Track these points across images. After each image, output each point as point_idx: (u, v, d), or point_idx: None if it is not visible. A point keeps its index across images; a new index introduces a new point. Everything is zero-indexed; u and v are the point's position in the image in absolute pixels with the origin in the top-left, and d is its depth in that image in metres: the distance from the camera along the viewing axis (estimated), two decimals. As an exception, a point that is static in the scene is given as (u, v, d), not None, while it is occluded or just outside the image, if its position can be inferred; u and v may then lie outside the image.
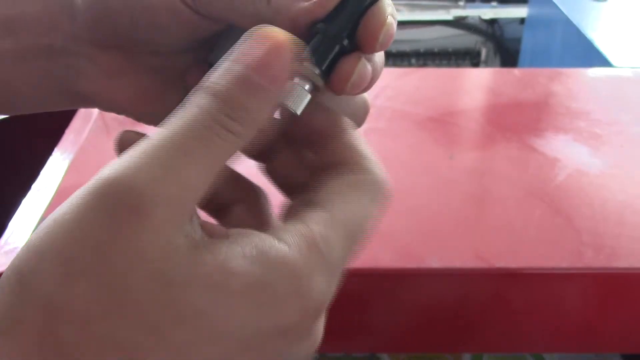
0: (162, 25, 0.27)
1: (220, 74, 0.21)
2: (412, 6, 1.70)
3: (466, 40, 1.76)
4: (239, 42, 0.21)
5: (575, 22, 1.09)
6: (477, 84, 0.83)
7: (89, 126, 0.70)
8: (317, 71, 0.24)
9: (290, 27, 0.24)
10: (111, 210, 0.18)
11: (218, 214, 0.27)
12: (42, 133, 0.72)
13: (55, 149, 0.67)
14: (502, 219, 0.56)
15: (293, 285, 0.20)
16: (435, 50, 1.79)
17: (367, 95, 0.28)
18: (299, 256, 0.20)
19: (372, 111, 0.70)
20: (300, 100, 0.23)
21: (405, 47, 1.76)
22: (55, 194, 0.59)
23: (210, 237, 0.20)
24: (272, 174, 0.27)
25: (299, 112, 0.23)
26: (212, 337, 0.19)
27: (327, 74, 0.25)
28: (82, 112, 0.73)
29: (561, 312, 0.52)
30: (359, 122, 0.28)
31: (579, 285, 0.52)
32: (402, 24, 1.67)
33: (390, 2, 0.26)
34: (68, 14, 0.28)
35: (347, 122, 0.26)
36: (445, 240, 0.53)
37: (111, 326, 0.18)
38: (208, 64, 0.29)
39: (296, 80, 0.23)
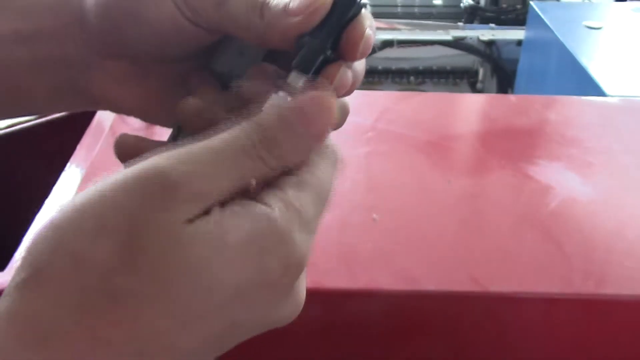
0: (166, 37, 0.30)
1: (273, 110, 0.25)
2: (412, 26, 1.73)
3: (464, 59, 1.80)
4: (298, 85, 0.27)
5: (569, 48, 1.12)
6: (474, 109, 0.86)
7: (99, 142, 0.72)
8: (300, 84, 0.27)
9: (281, 39, 0.29)
10: (146, 189, 0.22)
11: None
12: (54, 149, 0.74)
13: (67, 165, 0.69)
14: (496, 244, 0.58)
15: (276, 239, 0.23)
16: (434, 68, 1.82)
17: (347, 99, 0.31)
18: (280, 215, 0.24)
19: (373, 134, 0.74)
20: None
21: (405, 65, 1.79)
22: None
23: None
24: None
25: None
26: (211, 285, 0.22)
27: (314, 80, 0.28)
28: (92, 129, 0.76)
29: (552, 336, 0.55)
30: (339, 123, 0.31)
31: (569, 310, 0.54)
32: (402, 43, 1.71)
33: (370, 15, 0.29)
34: (80, 27, 0.31)
35: None
36: (442, 264, 0.56)
37: (125, 278, 0.21)
38: (209, 70, 0.32)
39: (281, 93, 0.27)
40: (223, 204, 0.24)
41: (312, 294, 0.53)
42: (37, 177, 0.68)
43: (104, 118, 0.78)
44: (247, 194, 0.26)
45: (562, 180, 0.68)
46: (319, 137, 0.25)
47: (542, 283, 0.54)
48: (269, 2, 0.29)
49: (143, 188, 0.22)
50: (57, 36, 0.31)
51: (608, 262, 0.56)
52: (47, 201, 0.64)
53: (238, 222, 0.23)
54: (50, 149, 0.76)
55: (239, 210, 0.23)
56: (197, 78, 0.32)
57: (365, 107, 0.81)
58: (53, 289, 0.21)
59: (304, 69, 0.28)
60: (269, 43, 0.30)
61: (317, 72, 0.28)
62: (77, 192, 0.64)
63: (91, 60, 0.32)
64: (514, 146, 0.75)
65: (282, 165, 0.25)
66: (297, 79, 0.27)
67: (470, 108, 0.87)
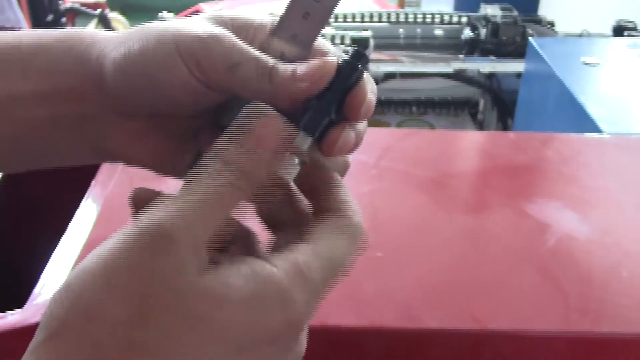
0: (179, 98, 0.32)
1: (227, 144, 0.27)
2: (415, 58, 1.77)
3: (465, 90, 1.83)
4: (241, 115, 0.28)
5: (567, 84, 1.15)
6: (475, 146, 0.89)
7: (113, 180, 0.75)
8: (307, 145, 0.30)
9: (289, 102, 0.31)
10: (146, 245, 0.24)
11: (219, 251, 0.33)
12: (68, 186, 0.77)
13: (82, 202, 0.72)
14: (496, 281, 0.60)
15: (279, 300, 0.25)
16: (436, 99, 1.86)
17: (349, 156, 0.34)
18: (285, 277, 0.26)
19: (376, 172, 0.78)
20: (292, 171, 0.30)
21: (407, 96, 1.83)
22: (84, 246, 0.64)
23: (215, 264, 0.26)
24: (263, 214, 0.33)
25: (290, 181, 0.30)
26: (215, 339, 0.24)
27: (319, 140, 0.31)
28: (106, 166, 0.78)
29: (549, 372, 0.57)
30: (341, 175, 0.34)
31: (566, 348, 0.56)
32: (404, 75, 1.74)
33: (371, 79, 0.32)
34: (98, 88, 0.33)
35: (337, 177, 0.32)
36: (444, 301, 0.58)
37: (136, 331, 0.23)
38: (218, 126, 0.34)
39: (288, 155, 0.30)
40: (232, 251, 0.26)
41: (316, 331, 0.55)
42: (54, 213, 0.70)
43: (117, 155, 0.80)
44: (257, 252, 0.28)
45: (559, 218, 0.70)
46: (272, 146, 0.28)
47: (541, 321, 0.56)
48: (277, 68, 0.31)
49: (144, 244, 0.24)
50: (76, 96, 0.33)
51: (605, 300, 0.58)
52: (63, 238, 0.66)
53: (243, 280, 0.25)
54: (64, 186, 0.78)
55: (245, 269, 0.25)
56: (207, 133, 0.34)
57: (369, 144, 0.84)
58: (70, 344, 0.23)
59: (310, 131, 0.30)
60: (278, 105, 0.31)
61: (323, 132, 0.30)
62: (92, 230, 0.66)
63: (108, 118, 0.34)
64: (513, 184, 0.78)
65: (253, 184, 0.27)
66: (304, 140, 0.30)
67: (471, 145, 0.90)
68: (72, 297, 0.24)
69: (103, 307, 0.23)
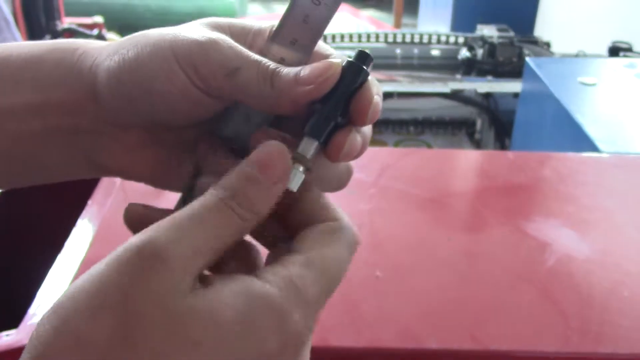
0: (177, 107, 0.31)
1: (234, 173, 0.26)
2: (412, 78, 1.78)
3: (462, 110, 1.84)
4: (311, 151, 0.28)
5: (564, 103, 1.15)
6: (473, 165, 0.89)
7: (110, 199, 0.75)
8: (312, 150, 0.29)
9: (291, 106, 0.30)
10: (136, 264, 0.23)
11: (218, 268, 0.31)
12: (64, 205, 0.76)
13: (78, 221, 0.71)
14: (496, 302, 0.60)
15: (273, 317, 0.24)
16: (433, 119, 1.87)
17: (351, 162, 0.32)
18: (278, 292, 0.24)
19: (375, 191, 0.77)
20: (298, 181, 0.28)
21: (405, 116, 1.84)
22: (80, 266, 0.63)
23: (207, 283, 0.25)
24: (256, 234, 0.31)
25: (295, 190, 0.28)
26: None
27: (324, 145, 0.29)
28: (103, 185, 0.78)
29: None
30: (343, 184, 0.33)
31: (567, 368, 0.56)
32: (402, 94, 1.75)
33: (376, 82, 0.30)
34: (92, 99, 0.32)
35: (317, 189, 0.30)
36: (443, 321, 0.57)
37: (124, 354, 0.22)
38: (217, 136, 0.33)
39: (292, 164, 0.28)
40: (223, 271, 0.25)
41: (316, 351, 0.55)
42: (50, 232, 0.70)
43: (115, 173, 0.80)
44: (252, 269, 0.27)
45: (558, 237, 0.70)
46: (279, 180, 0.27)
47: (541, 341, 0.55)
48: (279, 71, 0.30)
49: (134, 263, 0.23)
50: (68, 108, 0.32)
51: (605, 321, 0.58)
52: (59, 258, 0.66)
53: (234, 300, 0.24)
54: (62, 203, 0.78)
55: (236, 287, 0.24)
56: (205, 144, 0.33)
57: (368, 163, 0.84)
58: None
59: (315, 136, 0.29)
60: (280, 110, 0.30)
61: (328, 137, 0.29)
62: (88, 249, 0.66)
63: (103, 130, 0.32)
64: (511, 203, 0.77)
65: (255, 214, 0.26)
66: (309, 145, 0.29)
67: (469, 165, 0.90)
68: (60, 319, 0.23)
69: (90, 330, 0.22)
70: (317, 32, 0.31)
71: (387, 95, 1.75)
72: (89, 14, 2.84)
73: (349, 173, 0.33)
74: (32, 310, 0.58)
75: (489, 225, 0.72)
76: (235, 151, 0.32)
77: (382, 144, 1.88)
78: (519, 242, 0.69)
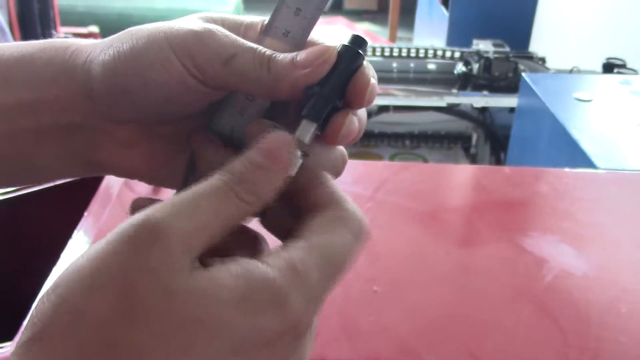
0: (173, 98, 0.31)
1: (240, 159, 0.27)
2: (408, 92, 1.78)
3: (458, 125, 1.85)
4: (309, 134, 0.29)
5: (560, 119, 1.16)
6: (470, 180, 0.89)
7: (107, 210, 0.74)
8: (310, 133, 0.29)
9: (289, 91, 0.30)
10: (135, 239, 0.23)
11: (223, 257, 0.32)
12: (60, 217, 0.76)
13: (75, 233, 0.71)
14: (493, 317, 0.60)
15: (272, 299, 0.24)
16: (429, 133, 1.87)
17: (345, 151, 0.33)
18: (279, 274, 0.24)
19: (373, 204, 0.77)
20: (295, 165, 0.28)
21: (400, 129, 1.84)
22: (76, 278, 0.63)
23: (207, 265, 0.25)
24: (267, 224, 0.32)
25: (293, 174, 0.28)
26: (205, 341, 0.23)
27: (322, 128, 0.30)
28: (99, 197, 0.78)
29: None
30: (338, 171, 0.33)
31: (565, 385, 0.55)
32: (397, 108, 1.75)
33: (371, 65, 0.31)
34: (85, 95, 0.31)
35: (325, 174, 0.30)
36: (441, 337, 0.57)
37: (123, 330, 0.22)
38: (211, 130, 0.33)
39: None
40: (225, 255, 0.25)
41: (315, 366, 0.54)
42: (45, 244, 0.69)
43: (111, 185, 0.80)
44: (261, 248, 0.27)
45: (555, 253, 0.70)
46: (284, 169, 0.27)
47: (538, 357, 0.55)
48: (275, 57, 0.30)
49: (134, 241, 0.23)
50: (61, 105, 0.31)
51: (603, 337, 0.58)
52: (54, 270, 0.65)
53: (234, 280, 0.24)
54: (59, 214, 0.78)
55: (235, 268, 0.24)
56: (200, 138, 0.33)
57: (365, 177, 0.84)
58: (55, 346, 0.22)
59: (313, 118, 0.29)
60: (277, 95, 0.31)
61: (326, 120, 0.30)
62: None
63: (97, 126, 0.32)
64: (508, 218, 0.78)
65: (259, 199, 0.26)
66: (307, 128, 0.29)
67: (466, 179, 0.90)
68: (59, 297, 0.23)
69: (90, 306, 0.22)
70: (309, 24, 0.31)
71: (382, 109, 1.76)
72: (85, 23, 2.84)
73: (344, 161, 0.33)
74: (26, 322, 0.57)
75: (486, 240, 0.72)
76: (230, 145, 0.32)
77: (378, 157, 1.88)
78: (516, 258, 0.69)
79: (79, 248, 0.68)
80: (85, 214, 0.75)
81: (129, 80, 0.30)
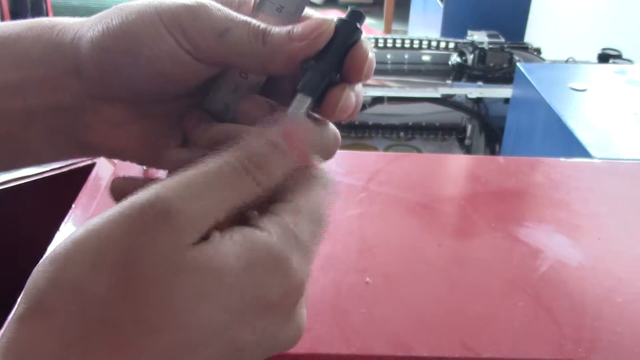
0: (166, 74, 0.30)
1: (256, 137, 0.26)
2: (402, 83, 1.77)
3: (453, 116, 1.84)
4: (304, 107, 0.28)
5: (555, 109, 1.15)
6: (464, 170, 0.88)
7: (95, 202, 0.73)
8: (305, 107, 0.28)
9: (285, 64, 0.29)
10: (145, 220, 0.22)
11: None
12: (50, 206, 0.75)
13: (63, 224, 0.70)
14: (487, 309, 0.59)
15: (275, 264, 0.24)
16: (423, 124, 1.86)
17: (337, 130, 0.32)
18: (277, 240, 0.25)
19: (365, 195, 0.76)
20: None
21: (395, 121, 1.83)
22: (62, 271, 0.62)
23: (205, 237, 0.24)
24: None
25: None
26: (213, 313, 0.23)
27: (318, 104, 0.29)
28: (87, 189, 0.77)
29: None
30: (331, 151, 0.32)
31: (560, 377, 0.55)
32: (392, 99, 1.74)
33: (367, 40, 0.30)
34: (74, 74, 0.31)
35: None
36: (434, 329, 0.56)
37: (124, 306, 0.22)
38: (204, 109, 0.32)
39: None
40: (222, 229, 0.24)
41: (306, 359, 0.53)
42: (33, 236, 0.68)
43: (100, 176, 0.79)
44: (246, 220, 0.27)
45: (550, 243, 0.69)
46: (301, 149, 0.27)
47: (533, 349, 0.54)
48: (271, 29, 0.29)
49: (138, 217, 0.22)
50: (50, 85, 0.31)
51: (599, 328, 0.57)
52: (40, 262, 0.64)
53: (236, 249, 0.24)
54: (46, 207, 0.77)
55: (237, 237, 0.24)
56: (193, 117, 0.32)
57: (358, 168, 0.83)
58: (54, 321, 0.22)
59: (309, 92, 0.29)
60: (273, 69, 0.30)
61: (322, 95, 0.29)
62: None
63: (87, 106, 0.32)
64: (503, 208, 0.77)
65: (272, 182, 0.26)
66: (302, 102, 0.29)
67: (460, 169, 0.89)
68: (59, 270, 0.22)
69: (93, 283, 0.22)
70: None
71: (377, 100, 1.75)
72: (78, 16, 2.82)
73: (336, 140, 0.32)
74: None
75: (480, 230, 0.71)
76: (222, 123, 0.31)
77: (372, 149, 1.87)
78: (510, 248, 0.68)
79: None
80: (73, 205, 0.74)
81: (119, 56, 0.29)
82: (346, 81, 0.30)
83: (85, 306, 0.22)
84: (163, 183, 0.24)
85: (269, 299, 0.24)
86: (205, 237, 0.24)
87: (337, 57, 0.29)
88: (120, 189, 0.30)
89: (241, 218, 0.29)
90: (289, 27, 0.29)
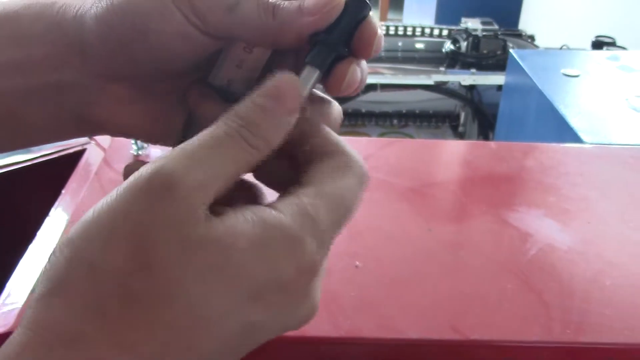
0: (173, 49, 0.30)
1: (246, 102, 0.26)
2: (396, 70, 1.77)
3: (446, 103, 1.84)
4: (312, 79, 0.28)
5: (548, 95, 1.15)
6: (455, 156, 0.88)
7: (85, 188, 0.73)
8: (312, 80, 0.29)
9: (294, 38, 0.29)
10: (148, 190, 0.23)
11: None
12: (37, 194, 0.75)
13: (52, 210, 0.70)
14: (476, 292, 0.59)
15: (288, 245, 0.24)
16: (417, 112, 1.86)
17: (340, 107, 0.33)
18: (292, 221, 0.25)
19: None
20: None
21: (388, 109, 1.83)
22: (51, 255, 0.62)
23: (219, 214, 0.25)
24: (262, 177, 0.31)
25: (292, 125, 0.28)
26: (224, 289, 0.23)
27: (325, 78, 0.29)
28: (77, 174, 0.76)
29: (531, 384, 0.55)
30: (335, 128, 0.32)
31: (549, 359, 0.55)
32: (385, 86, 1.74)
33: (375, 16, 0.31)
34: (77, 51, 0.30)
35: (322, 124, 0.30)
36: (423, 312, 0.56)
37: (141, 283, 0.22)
38: (208, 84, 0.32)
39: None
40: (236, 206, 0.24)
41: (294, 342, 0.54)
42: (23, 222, 0.68)
43: (90, 162, 0.79)
44: (261, 199, 0.27)
45: (540, 227, 0.69)
46: (291, 111, 0.27)
47: (522, 331, 0.55)
48: (280, 3, 0.29)
49: (148, 193, 0.23)
50: (52, 63, 0.30)
51: (587, 310, 0.57)
52: (30, 247, 0.64)
53: (250, 227, 0.24)
54: (36, 193, 0.76)
55: (251, 216, 0.24)
56: (196, 93, 0.32)
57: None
58: (72, 298, 0.22)
59: (318, 65, 0.29)
60: (282, 43, 0.30)
61: (329, 69, 0.29)
62: (62, 236, 0.64)
63: (89, 84, 0.31)
64: (493, 193, 0.77)
65: (267, 144, 0.26)
66: (310, 75, 0.29)
67: (451, 155, 0.89)
68: (74, 249, 0.23)
69: (106, 258, 0.22)
70: None
71: (370, 88, 1.74)
72: None
73: (340, 118, 0.32)
74: (1, 299, 0.56)
75: (470, 215, 0.71)
76: (228, 99, 0.31)
77: (366, 136, 1.87)
78: (500, 232, 0.68)
79: (56, 226, 0.67)
80: (63, 191, 0.73)
81: (125, 32, 0.29)
82: (355, 56, 0.30)
83: (100, 282, 0.22)
84: (165, 155, 0.24)
85: (282, 278, 0.24)
86: (219, 214, 0.24)
87: (346, 32, 0.29)
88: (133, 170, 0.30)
89: (253, 201, 0.29)
90: (299, 1, 0.29)
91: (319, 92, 0.31)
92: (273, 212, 0.25)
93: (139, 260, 0.22)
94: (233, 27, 0.29)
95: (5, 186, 0.82)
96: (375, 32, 0.29)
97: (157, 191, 0.23)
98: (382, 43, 0.30)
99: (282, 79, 0.27)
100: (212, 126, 0.25)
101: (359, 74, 0.30)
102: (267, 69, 0.31)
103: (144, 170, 0.23)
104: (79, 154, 0.81)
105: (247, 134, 0.25)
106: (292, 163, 0.30)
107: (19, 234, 0.66)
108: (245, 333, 0.24)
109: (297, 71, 0.29)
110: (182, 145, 0.24)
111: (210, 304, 0.23)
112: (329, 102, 0.32)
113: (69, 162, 0.78)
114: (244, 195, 0.30)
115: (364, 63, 0.31)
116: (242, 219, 0.24)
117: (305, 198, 0.26)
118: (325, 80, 0.29)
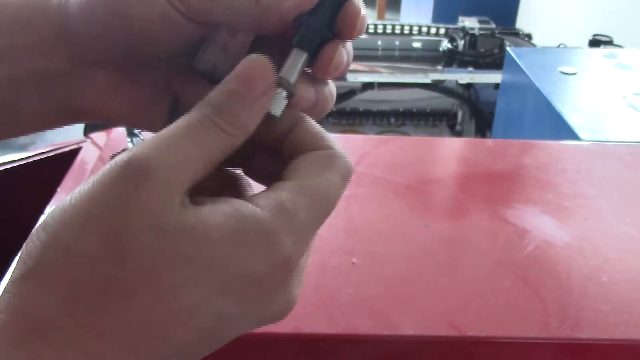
0: (156, 35, 0.30)
1: (217, 89, 0.26)
2: (393, 69, 1.77)
3: (443, 102, 1.84)
4: (300, 61, 0.28)
5: (545, 93, 1.15)
6: (452, 153, 0.88)
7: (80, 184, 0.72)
8: (300, 62, 0.28)
9: (278, 21, 0.29)
10: (122, 176, 0.23)
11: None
12: (32, 192, 0.74)
13: (47, 208, 0.69)
14: (473, 288, 0.59)
15: (263, 239, 0.24)
16: (414, 110, 1.86)
17: (333, 86, 0.32)
18: (268, 215, 0.24)
19: (353, 177, 0.75)
20: (279, 105, 0.28)
21: (386, 107, 1.83)
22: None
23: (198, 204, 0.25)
24: (250, 173, 0.31)
25: (278, 115, 0.28)
26: (197, 279, 0.23)
27: (312, 60, 0.29)
28: (73, 171, 0.76)
29: (528, 380, 0.55)
30: (328, 108, 0.32)
31: (545, 355, 0.55)
32: (382, 85, 1.74)
33: None
34: (62, 39, 0.30)
35: (306, 115, 0.30)
36: (420, 308, 0.56)
37: (114, 269, 0.22)
38: (193, 69, 0.32)
39: (276, 89, 0.28)
40: (215, 198, 0.24)
41: (290, 339, 0.53)
42: (18, 220, 0.68)
43: (85, 160, 0.78)
44: (239, 193, 0.27)
45: (537, 224, 0.69)
46: (263, 94, 0.27)
47: (519, 327, 0.54)
48: None
49: (121, 180, 0.23)
50: (37, 50, 0.30)
51: (584, 306, 0.57)
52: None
53: (224, 219, 0.24)
54: (32, 191, 0.76)
55: (226, 208, 0.24)
56: (182, 79, 0.32)
57: (346, 150, 0.82)
58: (46, 283, 0.22)
59: (306, 47, 0.29)
60: (266, 27, 0.30)
61: (315, 52, 0.29)
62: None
63: (75, 72, 0.31)
64: (490, 190, 0.76)
65: (242, 129, 0.26)
66: (298, 57, 0.29)
67: (449, 152, 0.89)
68: (50, 235, 0.23)
69: (81, 245, 0.22)
70: None
71: (368, 86, 1.74)
72: None
73: (332, 99, 0.32)
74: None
75: (467, 212, 0.71)
76: (213, 84, 0.31)
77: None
78: (497, 229, 0.68)
79: (50, 224, 0.66)
80: (59, 189, 0.73)
81: (109, 18, 0.29)
82: (339, 37, 0.29)
83: (75, 267, 0.22)
84: (140, 144, 0.24)
85: (255, 273, 0.24)
86: (198, 204, 0.24)
87: (330, 14, 0.29)
88: None
89: (238, 194, 0.29)
90: None
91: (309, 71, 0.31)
92: (250, 205, 0.25)
93: (112, 246, 0.22)
94: (216, 13, 0.29)
95: (0, 184, 0.81)
96: (358, 13, 0.29)
97: (131, 177, 0.23)
98: (366, 22, 0.30)
99: (251, 62, 0.27)
100: (187, 114, 0.25)
101: (344, 57, 0.30)
102: (252, 51, 0.31)
103: (119, 158, 0.23)
104: (74, 153, 0.81)
105: (219, 120, 0.25)
106: (280, 158, 0.30)
107: (14, 233, 0.65)
108: (219, 326, 0.24)
109: (284, 55, 0.29)
110: (158, 133, 0.24)
111: (182, 294, 0.23)
112: (321, 82, 0.31)
113: (65, 161, 0.78)
114: (232, 190, 0.30)
115: (349, 44, 0.31)
116: (217, 210, 0.24)
117: (284, 193, 0.25)
118: (312, 63, 0.29)
